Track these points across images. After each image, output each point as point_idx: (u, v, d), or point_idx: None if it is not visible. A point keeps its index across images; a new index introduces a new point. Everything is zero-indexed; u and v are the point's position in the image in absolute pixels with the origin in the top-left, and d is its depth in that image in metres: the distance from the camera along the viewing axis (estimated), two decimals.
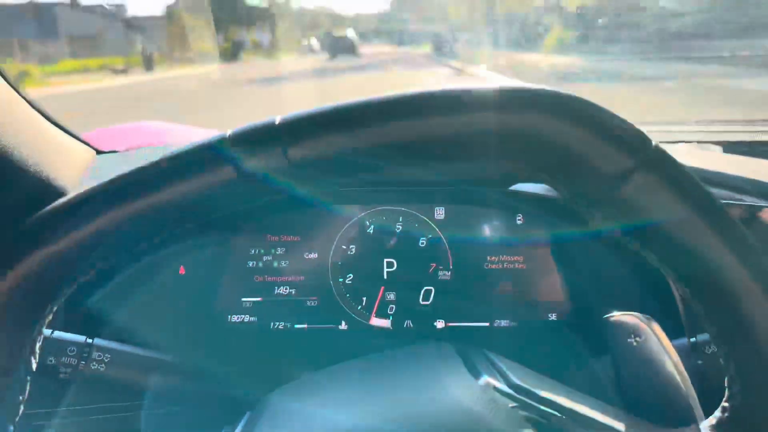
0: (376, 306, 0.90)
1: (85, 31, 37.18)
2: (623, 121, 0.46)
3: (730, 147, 1.06)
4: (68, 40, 37.68)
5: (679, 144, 1.05)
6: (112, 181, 0.51)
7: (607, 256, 0.84)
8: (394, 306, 0.90)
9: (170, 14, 44.99)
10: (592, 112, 0.45)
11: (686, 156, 0.87)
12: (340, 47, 28.17)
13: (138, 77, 22.18)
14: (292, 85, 14.36)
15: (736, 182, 0.79)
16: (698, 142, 1.07)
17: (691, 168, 0.76)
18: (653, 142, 0.46)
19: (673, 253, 0.50)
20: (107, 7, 44.27)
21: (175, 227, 0.66)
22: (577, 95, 0.45)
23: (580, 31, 15.19)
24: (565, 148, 0.45)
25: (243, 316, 0.90)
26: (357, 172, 0.57)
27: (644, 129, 0.93)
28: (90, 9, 41.36)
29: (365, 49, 37.60)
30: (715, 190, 0.77)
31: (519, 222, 0.89)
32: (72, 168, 0.83)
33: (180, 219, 0.58)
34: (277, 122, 0.47)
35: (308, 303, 0.90)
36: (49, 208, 0.54)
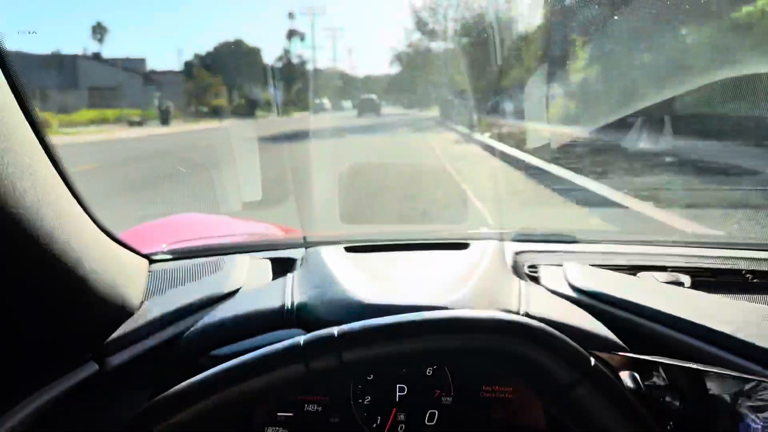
0: (388, 425, 1.02)
1: (104, 83, 38.43)
2: (571, 345, 0.73)
3: (701, 275, 1.14)
4: (88, 91, 38.90)
5: (650, 276, 1.13)
6: (212, 375, 0.71)
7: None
8: (403, 425, 1.02)
9: (188, 70, 46.66)
10: (549, 338, 0.72)
11: (652, 295, 0.97)
12: (368, 107, 34.11)
13: (152, 130, 22.77)
14: (319, 143, 14.77)
15: (692, 330, 0.86)
16: (671, 269, 1.16)
17: (653, 311, 0.90)
18: (592, 361, 0.73)
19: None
20: (128, 60, 45.89)
21: (254, 406, 0.91)
22: (542, 326, 0.73)
23: (583, 102, 15.59)
24: (530, 362, 0.72)
25: (278, 428, 1.02)
26: (389, 366, 0.95)
27: (626, 250, 1.25)
28: (111, 62, 42.89)
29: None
30: (669, 334, 0.87)
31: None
32: (134, 285, 0.97)
33: (260, 401, 0.80)
34: (336, 334, 0.71)
35: (332, 419, 1.03)
36: (163, 396, 0.70)
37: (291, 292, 1.00)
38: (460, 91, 24.55)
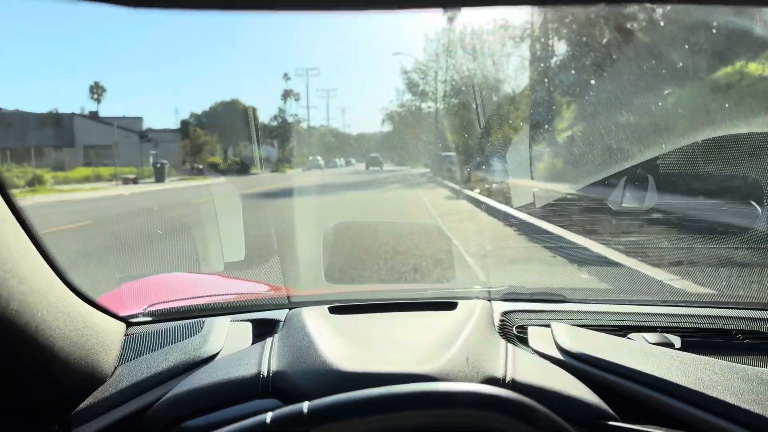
0: None
1: (101, 141, 38.85)
2: (555, 421, 0.72)
3: (691, 335, 1.14)
4: (84, 149, 39.32)
5: (640, 337, 1.13)
6: None
7: None
8: None
9: (184, 129, 47.38)
10: (533, 413, 0.72)
11: (642, 358, 0.94)
12: (373, 162, 44.19)
13: (147, 187, 22.90)
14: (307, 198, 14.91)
15: (686, 395, 0.84)
16: (661, 329, 1.16)
17: (644, 374, 0.88)
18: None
19: None
20: (124, 119, 46.60)
21: None
22: (522, 400, 0.72)
23: (569, 160, 15.91)
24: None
25: None
26: None
27: (615, 309, 1.26)
28: (107, 120, 43.54)
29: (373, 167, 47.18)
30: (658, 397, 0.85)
31: None
32: (107, 351, 0.94)
33: None
34: (305, 411, 0.70)
35: None
36: (109, 420, 0.71)
37: (269, 358, 0.96)
38: (450, 149, 25.04)
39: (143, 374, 0.92)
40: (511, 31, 22.30)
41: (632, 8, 16.21)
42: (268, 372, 0.91)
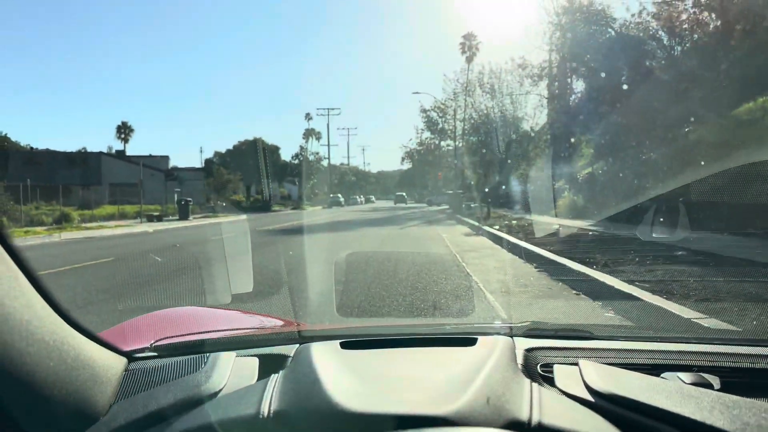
0: None
1: (126, 179, 39.75)
2: None
3: (730, 375, 1.06)
4: (110, 186, 40.23)
5: (675, 377, 1.06)
6: None
7: None
8: None
9: (208, 167, 48.36)
10: None
11: (680, 399, 0.87)
12: (400, 199, 55.08)
13: (170, 224, 23.25)
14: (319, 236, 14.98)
15: None
16: (697, 368, 1.08)
17: (684, 418, 0.80)
18: None
19: None
20: (150, 158, 47.74)
21: None
22: None
23: (590, 197, 15.79)
24: None
25: None
26: None
27: (646, 347, 1.17)
28: (134, 159, 44.65)
29: (389, 203, 51.04)
30: None
31: None
32: (103, 386, 0.90)
33: None
34: None
35: None
36: None
37: (270, 397, 0.90)
38: (468, 186, 25.09)
39: (139, 413, 0.88)
40: (529, 70, 22.51)
41: (650, 45, 16.31)
42: (269, 413, 0.86)
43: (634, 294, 5.05)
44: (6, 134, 47.56)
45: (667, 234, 9.91)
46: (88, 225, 22.12)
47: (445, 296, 5.55)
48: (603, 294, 5.41)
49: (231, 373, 1.02)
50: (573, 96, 20.22)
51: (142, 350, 1.11)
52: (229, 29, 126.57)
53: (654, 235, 10.11)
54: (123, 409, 0.89)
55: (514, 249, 9.70)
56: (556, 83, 21.23)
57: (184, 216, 26.96)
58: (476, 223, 16.04)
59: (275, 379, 0.96)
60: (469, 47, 37.49)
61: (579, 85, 20.03)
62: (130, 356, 1.05)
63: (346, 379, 0.94)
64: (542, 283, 6.49)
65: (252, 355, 1.12)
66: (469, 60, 35.85)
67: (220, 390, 0.96)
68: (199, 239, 13.99)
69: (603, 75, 16.34)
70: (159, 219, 26.45)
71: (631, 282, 5.55)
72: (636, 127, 14.42)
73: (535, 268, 7.62)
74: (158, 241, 14.51)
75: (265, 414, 0.85)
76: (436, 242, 12.19)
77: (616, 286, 5.46)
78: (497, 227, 13.97)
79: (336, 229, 17.84)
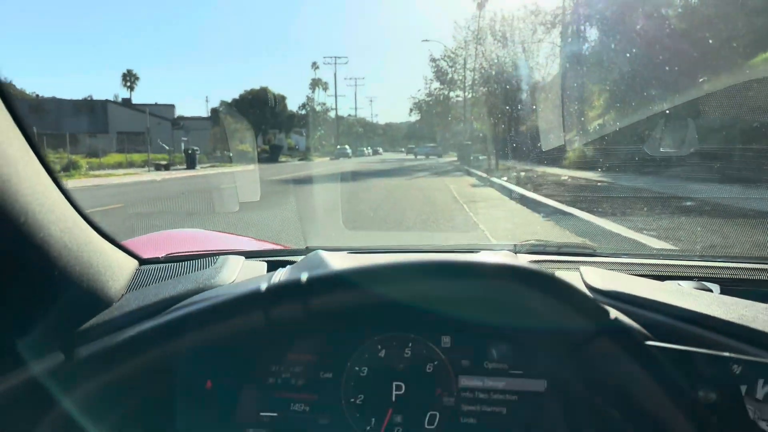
0: (383, 428, 0.91)
1: (133, 127, 39.67)
2: (585, 296, 0.66)
3: (731, 284, 1.06)
4: (117, 135, 40.17)
5: (675, 284, 1.06)
6: (170, 321, 0.68)
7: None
8: (400, 428, 0.90)
9: (214, 117, 48.02)
10: (561, 287, 0.66)
11: (679, 297, 0.87)
12: (412, 151, 53.54)
13: (178, 173, 23.29)
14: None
15: (729, 329, 0.78)
16: (698, 279, 1.08)
17: (682, 309, 0.81)
18: (612, 314, 0.65)
19: (629, 411, 0.67)
20: (157, 106, 47.40)
21: (213, 358, 0.85)
22: (550, 273, 0.66)
23: (600, 148, 15.64)
24: (539, 313, 0.66)
25: (260, 430, 0.92)
26: (366, 323, 0.86)
27: (649, 261, 1.11)
28: (140, 108, 44.39)
29: (400, 156, 52.69)
30: (699, 331, 0.78)
31: (519, 355, 0.91)
32: (116, 278, 0.93)
33: (217, 352, 0.78)
34: (303, 280, 0.66)
35: (320, 421, 0.92)
36: (111, 342, 0.70)
37: (279, 277, 0.90)
38: (477, 137, 24.87)
39: (151, 299, 0.90)
40: (542, 16, 21.93)
41: None
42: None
43: (642, 241, 5.08)
44: (11, 81, 47.19)
45: (676, 187, 9.86)
46: (96, 173, 22.22)
47: (454, 237, 5.59)
48: (611, 242, 5.44)
49: (240, 271, 1.04)
50: (586, 45, 19.75)
51: (156, 259, 1.13)
52: None
53: (663, 186, 10.07)
54: (135, 297, 0.92)
55: (521, 199, 9.70)
56: (570, 31, 20.71)
57: (191, 165, 26.96)
58: (484, 175, 15.99)
59: (282, 270, 0.98)
60: None
61: (592, 34, 19.53)
62: (142, 261, 1.07)
63: (357, 264, 0.96)
64: (549, 230, 6.52)
65: (261, 261, 1.14)
66: (481, 6, 34.86)
67: (231, 282, 0.98)
68: (208, 187, 14.04)
69: (617, 22, 15.91)
70: (167, 168, 26.49)
71: (639, 230, 5.56)
72: (649, 77, 14.13)
73: (542, 217, 7.64)
74: (167, 188, 14.58)
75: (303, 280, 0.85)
76: (444, 193, 12.18)
77: (625, 234, 5.49)
78: (505, 178, 13.92)
79: (343, 179, 17.84)
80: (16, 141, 0.73)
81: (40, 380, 0.75)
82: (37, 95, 48.63)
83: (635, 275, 1.07)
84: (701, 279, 1.08)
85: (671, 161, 11.40)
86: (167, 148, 32.56)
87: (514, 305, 0.66)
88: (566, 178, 12.83)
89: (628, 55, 15.06)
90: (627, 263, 1.16)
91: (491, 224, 7.00)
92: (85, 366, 0.79)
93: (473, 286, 0.67)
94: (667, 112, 13.36)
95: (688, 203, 7.86)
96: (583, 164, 15.34)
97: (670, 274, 1.11)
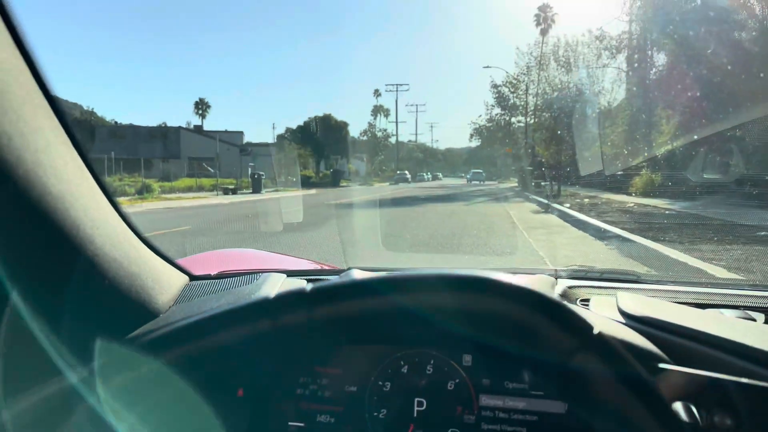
0: None
1: (203, 153, 41.37)
2: (571, 312, 0.67)
3: None
4: (188, 160, 42.05)
5: (717, 312, 1.03)
6: (190, 325, 0.74)
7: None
8: None
9: (279, 143, 49.59)
10: (548, 303, 0.67)
11: (718, 326, 0.84)
12: (475, 177, 51.36)
13: (244, 197, 24.10)
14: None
15: (758, 356, 0.74)
16: (745, 308, 1.05)
17: (721, 339, 0.78)
18: (595, 329, 0.66)
19: (610, 425, 0.68)
20: (226, 133, 49.41)
21: (245, 367, 0.90)
22: (541, 292, 0.68)
23: (668, 175, 15.08)
24: (526, 328, 0.69)
25: None
26: (371, 332, 0.90)
27: (694, 289, 1.10)
28: (210, 134, 46.35)
29: (460, 181, 52.81)
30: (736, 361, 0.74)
31: (537, 376, 0.92)
32: (164, 292, 0.98)
33: (248, 361, 0.83)
34: (308, 289, 0.71)
35: None
36: (150, 336, 0.76)
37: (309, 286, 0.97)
38: (539, 163, 24.47)
39: (194, 311, 0.94)
40: (607, 41, 21.54)
41: (741, 15, 15.21)
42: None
43: (709, 271, 4.88)
44: (93, 109, 50.57)
45: (749, 216, 9.38)
46: (168, 196, 23.28)
47: (495, 260, 5.54)
48: (675, 271, 5.25)
49: (281, 287, 1.08)
50: (653, 69, 19.24)
51: (206, 276, 1.20)
52: (303, 9, 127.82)
53: (736, 216, 9.59)
54: (180, 309, 0.98)
55: (584, 227, 9.48)
56: (636, 56, 20.24)
57: (257, 189, 27.82)
58: (546, 201, 15.70)
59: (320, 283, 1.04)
60: (544, 19, 36.21)
61: (660, 58, 19.01)
62: (193, 277, 1.14)
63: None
64: (611, 258, 6.35)
65: (301, 279, 1.19)
66: (544, 32, 34.65)
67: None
68: (269, 210, 14.47)
69: (687, 47, 15.42)
70: (234, 192, 27.44)
71: (708, 261, 5.34)
72: (723, 103, 13.57)
73: (606, 245, 7.45)
74: (233, 211, 15.13)
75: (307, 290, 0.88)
76: (503, 218, 12.07)
77: (691, 264, 5.28)
78: (567, 205, 13.63)
79: (402, 204, 17.96)
80: (72, 161, 0.79)
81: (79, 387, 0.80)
82: (116, 122, 51.86)
83: (677, 303, 1.04)
84: (749, 309, 1.04)
85: (744, 188, 10.87)
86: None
87: (519, 324, 0.68)
88: (632, 204, 12.45)
89: (697, 79, 14.55)
90: (670, 290, 1.13)
91: (552, 252, 6.88)
92: (112, 364, 0.83)
93: (470, 300, 0.69)
94: (741, 137, 12.77)
95: (762, 233, 7.45)
96: (650, 191, 14.81)
97: (714, 302, 1.08)
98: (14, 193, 0.67)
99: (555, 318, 0.67)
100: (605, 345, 0.66)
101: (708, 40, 15.14)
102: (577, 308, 0.70)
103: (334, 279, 1.11)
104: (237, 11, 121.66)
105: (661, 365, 0.73)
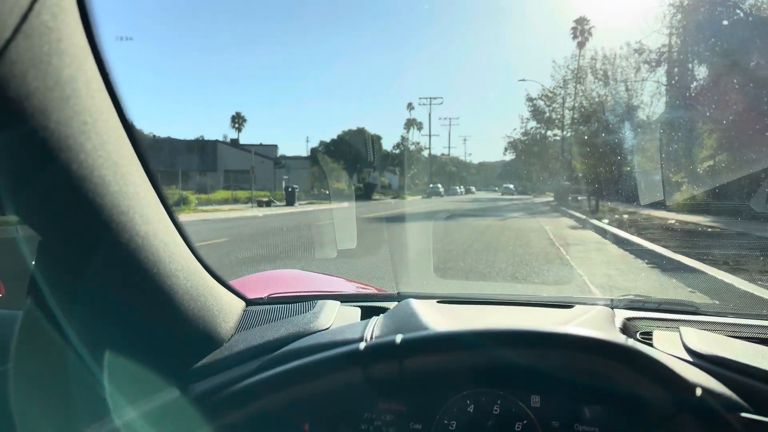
0: None
1: (239, 166, 42.11)
2: (672, 370, 0.65)
3: None
4: (224, 173, 42.85)
5: None
6: (275, 375, 0.76)
7: None
8: None
9: (313, 156, 50.13)
10: (646, 362, 0.66)
11: None
12: (506, 191, 55.69)
13: (278, 210, 24.38)
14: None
15: None
16: None
17: None
18: (698, 390, 0.65)
19: None
20: (261, 147, 50.19)
21: (311, 402, 0.90)
22: (637, 348, 0.67)
23: (710, 191, 14.65)
24: (625, 384, 0.67)
25: None
26: (459, 384, 0.90)
27: (758, 323, 1.09)
28: (246, 148, 47.16)
29: (494, 195, 55.12)
30: None
31: (609, 419, 0.89)
32: (227, 320, 1.02)
33: (317, 405, 0.84)
34: (398, 341, 0.70)
35: None
36: (222, 385, 0.78)
37: (373, 327, 0.97)
38: (575, 177, 24.09)
39: (257, 341, 0.98)
40: (646, 55, 21.14)
41: None
42: (371, 336, 0.91)
43: (756, 293, 4.68)
44: (132, 122, 51.72)
45: None
46: (204, 208, 23.73)
47: (546, 289, 5.44)
48: (721, 292, 5.06)
49: (336, 316, 1.11)
50: (694, 83, 18.77)
51: (260, 300, 1.23)
52: (335, 23, 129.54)
53: None
54: (242, 338, 1.00)
55: (623, 244, 9.25)
56: (676, 69, 19.80)
57: (290, 202, 28.12)
58: (583, 216, 15.42)
59: (377, 318, 1.03)
60: (581, 32, 35.79)
61: (701, 72, 18.54)
62: (248, 301, 1.17)
63: (443, 319, 0.99)
64: (653, 278, 6.17)
65: (355, 306, 1.21)
66: (581, 45, 34.23)
67: (327, 328, 1.05)
68: (305, 224, 14.57)
69: (729, 60, 15.02)
70: (268, 204, 27.80)
71: (753, 281, 5.13)
72: (765, 117, 13.14)
73: (647, 263, 7.24)
74: (267, 224, 15.30)
75: (369, 338, 0.89)
76: (539, 234, 11.88)
77: (737, 285, 5.08)
78: (606, 221, 13.34)
79: (435, 218, 17.88)
80: (154, 201, 0.83)
81: (157, 413, 0.82)
82: (154, 135, 53.10)
83: (741, 338, 1.01)
84: None
85: None
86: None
87: (602, 375, 0.67)
88: (673, 221, 12.11)
89: (741, 93, 14.14)
90: (732, 324, 1.10)
91: (590, 269, 6.72)
92: (198, 402, 0.86)
93: (560, 356, 0.68)
94: None
95: None
96: (692, 208, 14.40)
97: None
98: (110, 237, 0.72)
99: (656, 379, 0.65)
100: (707, 406, 0.65)
101: (750, 53, 14.72)
102: (675, 363, 0.68)
103: (392, 309, 1.13)
104: (272, 28, 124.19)
105: (743, 415, 0.71)
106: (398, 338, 0.70)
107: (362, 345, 0.71)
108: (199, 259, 0.95)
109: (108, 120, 0.72)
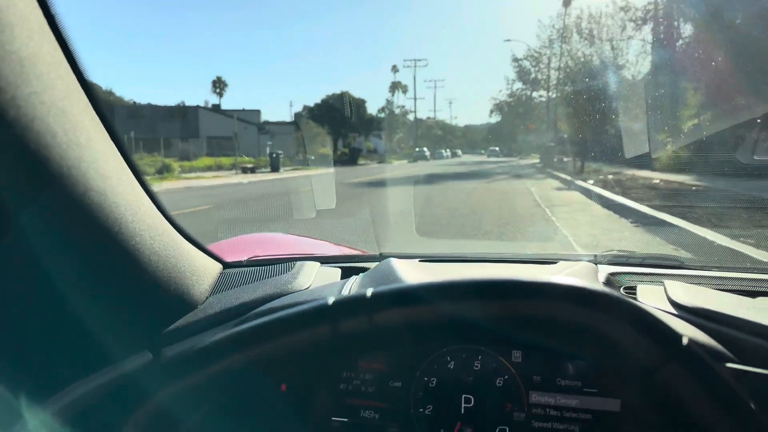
0: None
1: (222, 132, 41.55)
2: (658, 320, 0.61)
3: None
4: (207, 139, 42.25)
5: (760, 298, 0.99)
6: (240, 332, 0.71)
7: None
8: None
9: (297, 121, 49.60)
10: (631, 310, 0.61)
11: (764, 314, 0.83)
12: (493, 153, 55.83)
13: (263, 176, 24.17)
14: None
15: None
16: None
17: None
18: (685, 339, 0.60)
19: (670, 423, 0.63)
20: (244, 112, 49.46)
21: (288, 362, 0.85)
22: (625, 298, 0.62)
23: (694, 150, 14.73)
24: (608, 335, 0.62)
25: None
26: (433, 338, 0.84)
27: (741, 275, 1.05)
28: (228, 113, 46.47)
29: (480, 158, 55.14)
30: None
31: (593, 373, 0.89)
32: (201, 282, 0.99)
33: (286, 363, 0.78)
34: (368, 295, 0.66)
35: (389, 429, 0.93)
36: (194, 345, 0.73)
37: (351, 286, 0.97)
38: (561, 139, 24.08)
39: (232, 303, 0.95)
40: (632, 13, 20.92)
41: None
42: (349, 293, 0.87)
43: (738, 249, 4.71)
44: (111, 89, 50.90)
45: None
46: (188, 175, 23.46)
47: (531, 247, 5.44)
48: (705, 250, 5.09)
49: (316, 277, 1.09)
50: (680, 41, 18.67)
51: (239, 262, 1.19)
52: None
53: (764, 192, 9.32)
54: (218, 300, 0.97)
55: (608, 204, 9.29)
56: (662, 27, 19.64)
57: (275, 168, 27.91)
58: (568, 178, 15.47)
59: (356, 278, 1.04)
60: None
61: (687, 29, 18.43)
62: (226, 264, 1.13)
63: (425, 275, 0.99)
64: (638, 237, 6.19)
65: (335, 267, 1.19)
66: (566, 4, 33.82)
67: (306, 288, 1.04)
68: (290, 189, 14.46)
69: (716, 16, 14.90)
70: (252, 171, 27.57)
71: (735, 238, 5.16)
72: (750, 74, 13.13)
73: (631, 223, 7.28)
74: (252, 191, 15.17)
75: (346, 294, 0.87)
76: (525, 197, 11.89)
77: (720, 242, 5.11)
78: (591, 181, 13.40)
79: (421, 181, 17.84)
80: (112, 155, 0.78)
81: (129, 378, 0.79)
82: (135, 102, 52.08)
83: (725, 290, 1.00)
84: None
85: None
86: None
87: (585, 326, 0.63)
88: (657, 181, 12.16)
89: (725, 51, 14.07)
90: (716, 277, 1.09)
91: (575, 230, 6.74)
92: (172, 366, 0.81)
93: (541, 307, 0.64)
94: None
95: None
96: (676, 167, 14.47)
97: (764, 289, 1.03)
98: (59, 191, 0.67)
99: (642, 329, 0.61)
100: (694, 356, 0.61)
101: (737, 9, 14.61)
102: (661, 314, 0.64)
103: (372, 268, 1.10)
104: None
105: (729, 365, 0.72)
106: (369, 292, 0.65)
107: (331, 299, 0.67)
108: (169, 219, 0.91)
109: (52, 63, 0.65)
